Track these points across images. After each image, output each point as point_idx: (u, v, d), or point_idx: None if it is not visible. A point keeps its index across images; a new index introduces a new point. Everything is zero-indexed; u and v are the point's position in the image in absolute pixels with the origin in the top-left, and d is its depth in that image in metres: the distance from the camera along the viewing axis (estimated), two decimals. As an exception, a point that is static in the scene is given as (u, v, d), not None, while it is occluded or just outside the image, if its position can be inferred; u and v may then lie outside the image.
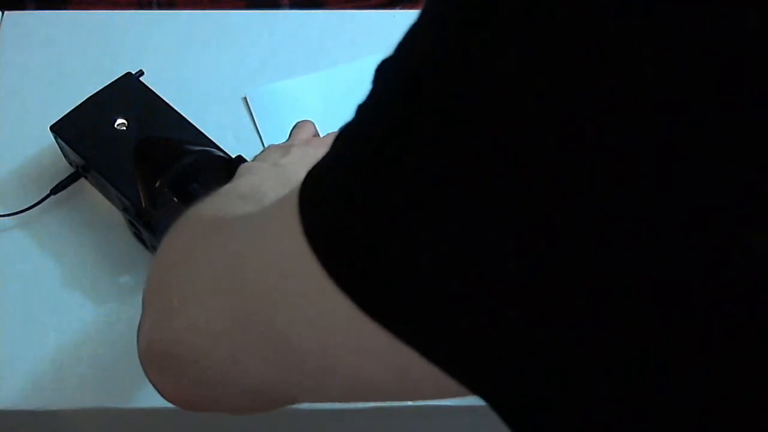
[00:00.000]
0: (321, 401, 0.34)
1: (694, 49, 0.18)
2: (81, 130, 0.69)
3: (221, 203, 0.40)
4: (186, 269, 0.35)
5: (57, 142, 0.70)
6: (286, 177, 0.51)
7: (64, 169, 0.72)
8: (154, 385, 0.39)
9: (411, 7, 1.01)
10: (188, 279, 0.34)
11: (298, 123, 0.68)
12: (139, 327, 0.40)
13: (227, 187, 0.49)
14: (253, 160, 0.62)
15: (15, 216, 0.70)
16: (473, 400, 0.26)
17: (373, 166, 0.24)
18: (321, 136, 0.69)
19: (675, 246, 0.20)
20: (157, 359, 0.38)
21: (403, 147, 0.23)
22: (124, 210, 0.67)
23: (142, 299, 0.39)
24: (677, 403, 0.22)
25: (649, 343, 0.21)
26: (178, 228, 0.39)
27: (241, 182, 0.51)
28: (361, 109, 0.25)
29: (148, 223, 0.65)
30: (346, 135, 0.26)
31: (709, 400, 0.21)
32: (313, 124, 0.69)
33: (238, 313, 0.31)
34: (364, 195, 0.24)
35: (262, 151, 0.63)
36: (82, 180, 0.72)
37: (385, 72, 0.25)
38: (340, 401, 0.33)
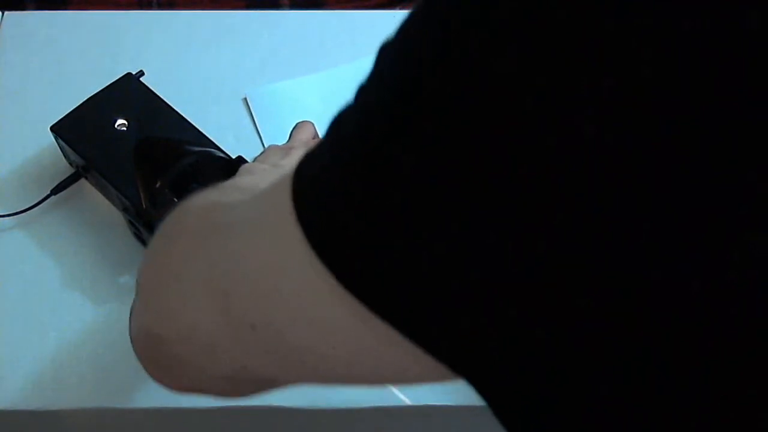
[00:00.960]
0: (318, 385, 0.34)
1: (693, 49, 0.18)
2: (81, 131, 0.69)
3: (219, 195, 0.41)
4: (185, 268, 0.35)
5: (57, 143, 0.70)
6: (282, 172, 0.51)
7: (65, 170, 0.72)
8: (146, 371, 0.40)
9: (411, 8, 1.00)
10: (187, 279, 0.34)
11: (298, 124, 0.69)
12: (131, 311, 0.40)
13: (225, 183, 0.49)
14: (253, 161, 0.62)
15: (15, 216, 0.70)
16: (473, 400, 0.26)
17: (371, 167, 0.24)
18: (321, 136, 0.69)
19: (675, 246, 0.20)
20: (154, 356, 0.38)
21: (401, 147, 0.23)
22: (125, 210, 0.67)
23: (137, 282, 0.40)
24: (677, 403, 0.22)
25: (650, 343, 0.21)
26: (175, 219, 0.39)
27: (240, 180, 0.51)
28: (361, 93, 0.25)
29: (149, 224, 0.65)
30: (341, 131, 0.26)
31: (709, 400, 0.21)
32: (313, 124, 0.69)
33: (238, 313, 0.31)
34: (361, 197, 0.24)
35: (263, 152, 0.63)
36: (83, 180, 0.72)
37: (385, 60, 0.25)
38: (338, 386, 0.34)
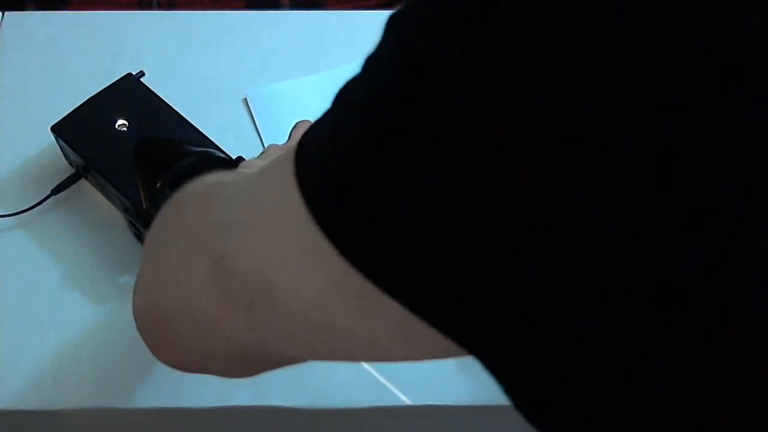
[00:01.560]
0: (318, 360, 0.35)
1: (693, 49, 0.18)
2: (82, 131, 0.69)
3: (217, 177, 0.40)
4: (184, 268, 0.35)
5: (57, 143, 0.70)
6: None
7: (65, 170, 0.72)
8: (150, 349, 0.40)
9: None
10: (186, 278, 0.34)
11: (297, 123, 0.69)
12: (134, 287, 0.40)
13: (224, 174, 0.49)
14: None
15: (15, 216, 0.70)
16: (473, 400, 0.26)
17: (370, 167, 0.24)
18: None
19: (675, 246, 0.20)
20: (156, 334, 0.39)
21: (401, 147, 0.23)
22: (125, 210, 0.67)
23: (141, 259, 0.40)
24: (677, 403, 0.22)
25: (650, 343, 0.21)
26: (174, 211, 0.39)
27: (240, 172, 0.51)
28: (368, 69, 0.25)
29: (149, 224, 0.64)
30: (344, 115, 0.26)
31: (709, 400, 0.21)
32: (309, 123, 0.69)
33: (237, 292, 0.31)
34: (361, 197, 0.24)
35: (263, 152, 0.63)
36: (83, 180, 0.72)
37: (393, 36, 0.24)
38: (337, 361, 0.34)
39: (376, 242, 0.24)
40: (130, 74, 0.72)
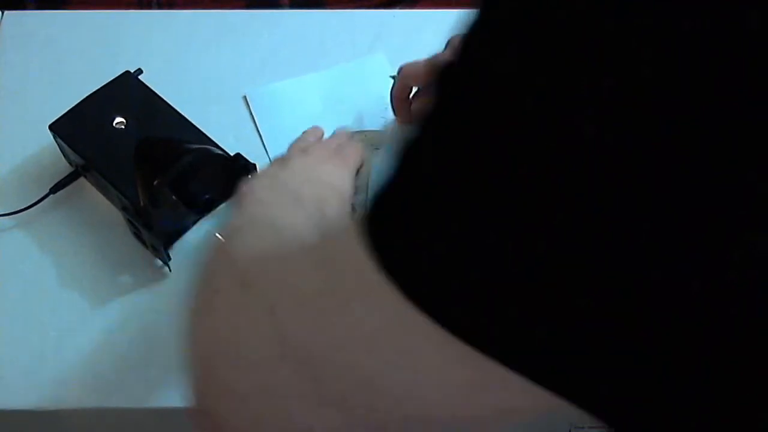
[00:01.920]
0: None
1: (693, 49, 0.18)
2: (80, 129, 0.69)
3: (250, 243, 0.38)
4: (233, 341, 0.32)
5: (56, 141, 0.70)
6: (289, 191, 0.49)
7: (64, 169, 0.72)
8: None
9: (411, 7, 1.01)
10: (243, 345, 0.32)
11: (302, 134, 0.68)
12: (189, 385, 0.37)
13: (237, 221, 0.47)
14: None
15: (14, 215, 0.70)
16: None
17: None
18: (326, 137, 0.69)
19: (675, 246, 0.20)
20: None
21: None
22: (124, 209, 0.67)
23: (190, 359, 0.36)
24: (677, 403, 0.22)
25: (650, 343, 0.21)
26: (210, 292, 0.37)
27: (252, 211, 0.48)
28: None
29: (148, 222, 0.65)
30: None
31: (709, 399, 0.21)
32: (317, 129, 0.69)
33: (261, 309, 0.30)
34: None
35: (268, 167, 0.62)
36: (82, 179, 0.72)
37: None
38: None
39: (375, 242, 0.24)
40: (127, 72, 0.72)
